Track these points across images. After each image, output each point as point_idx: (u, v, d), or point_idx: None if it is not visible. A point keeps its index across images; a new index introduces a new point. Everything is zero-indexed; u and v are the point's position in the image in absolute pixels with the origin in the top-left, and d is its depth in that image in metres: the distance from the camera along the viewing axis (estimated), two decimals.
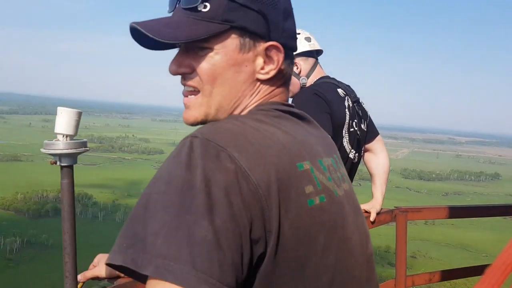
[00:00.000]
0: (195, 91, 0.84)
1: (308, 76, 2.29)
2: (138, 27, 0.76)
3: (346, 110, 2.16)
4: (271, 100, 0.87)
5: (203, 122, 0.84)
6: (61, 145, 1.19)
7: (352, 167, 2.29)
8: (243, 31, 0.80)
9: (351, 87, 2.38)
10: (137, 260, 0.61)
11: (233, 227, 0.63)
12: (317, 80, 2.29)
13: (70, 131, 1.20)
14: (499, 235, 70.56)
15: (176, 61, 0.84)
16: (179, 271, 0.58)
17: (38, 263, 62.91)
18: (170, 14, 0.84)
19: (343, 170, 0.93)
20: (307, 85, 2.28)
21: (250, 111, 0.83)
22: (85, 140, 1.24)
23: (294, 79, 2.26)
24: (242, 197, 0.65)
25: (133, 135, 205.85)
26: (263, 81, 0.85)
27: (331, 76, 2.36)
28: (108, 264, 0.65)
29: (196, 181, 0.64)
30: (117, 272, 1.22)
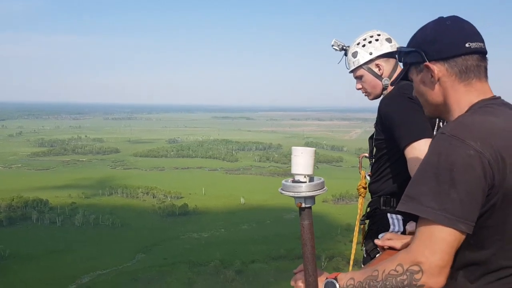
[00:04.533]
0: None
1: (390, 77, 2.33)
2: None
3: None
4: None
5: None
6: (304, 188, 1.20)
7: None
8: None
9: None
10: (416, 208, 1.17)
11: (471, 193, 1.12)
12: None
13: (309, 171, 1.21)
14: None
15: None
16: (439, 215, 1.13)
17: None
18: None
19: None
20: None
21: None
22: (322, 179, 1.25)
23: (375, 80, 2.34)
24: (477, 172, 1.13)
25: (85, 136, 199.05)
26: None
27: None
28: (398, 210, 1.23)
29: (445, 161, 1.14)
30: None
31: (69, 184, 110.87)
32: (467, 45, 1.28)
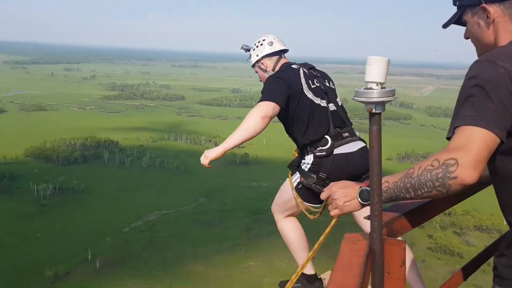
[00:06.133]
0: None
1: (273, 69, 3.07)
2: None
3: (302, 76, 2.88)
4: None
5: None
6: (375, 94, 1.25)
7: (334, 114, 2.86)
8: None
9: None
10: (458, 122, 1.26)
11: (504, 104, 1.21)
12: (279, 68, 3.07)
13: (382, 79, 1.27)
14: None
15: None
16: (476, 120, 1.21)
17: (71, 208, 65.55)
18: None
19: None
20: None
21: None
22: (393, 88, 1.30)
23: (264, 74, 3.09)
24: (508, 87, 1.22)
25: (153, 82, 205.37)
26: None
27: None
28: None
29: (480, 80, 1.25)
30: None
31: (137, 127, 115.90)
32: None
